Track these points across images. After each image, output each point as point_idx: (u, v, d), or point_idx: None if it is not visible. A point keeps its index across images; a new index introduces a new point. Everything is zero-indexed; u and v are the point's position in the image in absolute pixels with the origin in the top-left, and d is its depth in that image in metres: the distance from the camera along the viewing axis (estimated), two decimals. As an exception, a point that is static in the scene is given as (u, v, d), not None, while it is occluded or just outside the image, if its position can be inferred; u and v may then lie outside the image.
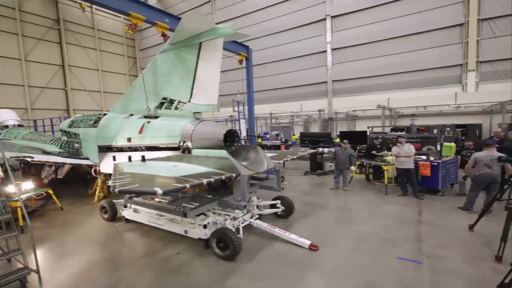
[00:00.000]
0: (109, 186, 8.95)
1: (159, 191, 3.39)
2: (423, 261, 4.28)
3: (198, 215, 5.17)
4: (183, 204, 5.16)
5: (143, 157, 5.75)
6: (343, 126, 20.67)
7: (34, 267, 4.06)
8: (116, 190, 3.48)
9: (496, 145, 6.70)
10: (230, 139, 5.37)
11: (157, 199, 6.17)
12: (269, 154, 6.23)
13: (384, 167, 8.71)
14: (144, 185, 4.01)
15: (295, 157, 7.35)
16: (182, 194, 5.57)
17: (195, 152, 5.10)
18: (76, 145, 8.35)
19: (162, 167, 5.14)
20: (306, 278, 4.03)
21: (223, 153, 4.80)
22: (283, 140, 17.48)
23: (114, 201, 6.82)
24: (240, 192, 4.82)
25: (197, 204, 5.14)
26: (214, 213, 5.43)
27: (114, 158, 6.53)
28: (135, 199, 6.06)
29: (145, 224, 6.04)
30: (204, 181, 4.02)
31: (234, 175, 4.62)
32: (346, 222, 6.19)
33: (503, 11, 15.30)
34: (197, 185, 4.10)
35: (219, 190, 5.83)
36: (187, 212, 4.68)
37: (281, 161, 6.13)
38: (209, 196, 5.67)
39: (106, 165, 6.97)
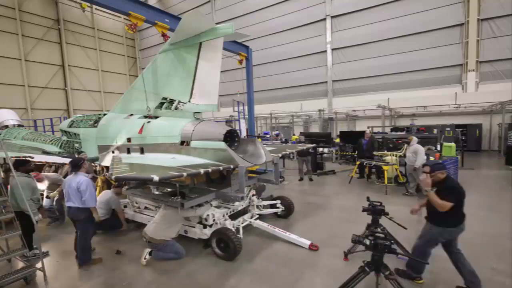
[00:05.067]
0: (109, 186, 8.97)
1: (156, 178, 3.41)
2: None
3: (198, 205, 5.17)
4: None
5: (141, 149, 5.78)
6: (343, 126, 20.69)
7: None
8: (113, 177, 3.52)
9: None
10: (230, 139, 5.38)
11: (156, 192, 6.19)
12: (268, 148, 6.25)
13: (384, 167, 8.72)
14: (141, 173, 4.03)
15: (293, 151, 7.34)
16: (180, 185, 5.57)
17: (193, 144, 5.11)
18: (76, 145, 8.35)
19: (161, 158, 5.17)
20: (306, 278, 4.03)
21: (221, 144, 4.81)
22: (283, 140, 17.49)
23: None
24: (238, 184, 4.83)
25: (195, 195, 5.15)
26: (213, 205, 5.44)
27: (113, 151, 6.57)
28: (133, 190, 6.07)
29: (145, 224, 6.03)
30: (202, 170, 4.05)
31: (232, 166, 4.64)
32: (346, 222, 6.19)
33: (503, 11, 15.33)
34: (194, 174, 4.12)
35: (217, 182, 5.85)
36: (184, 202, 4.69)
37: (279, 155, 6.15)
38: (207, 188, 5.67)
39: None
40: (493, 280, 3.73)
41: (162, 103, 6.02)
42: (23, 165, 5.13)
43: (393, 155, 9.36)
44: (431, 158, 8.32)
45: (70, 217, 4.80)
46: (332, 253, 4.69)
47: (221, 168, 4.50)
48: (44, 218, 6.25)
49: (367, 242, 3.05)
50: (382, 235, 3.09)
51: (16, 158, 5.54)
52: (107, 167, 7.21)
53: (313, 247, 4.86)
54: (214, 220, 5.03)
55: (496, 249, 4.64)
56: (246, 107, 13.57)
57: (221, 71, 5.81)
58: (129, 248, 5.33)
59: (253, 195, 6.17)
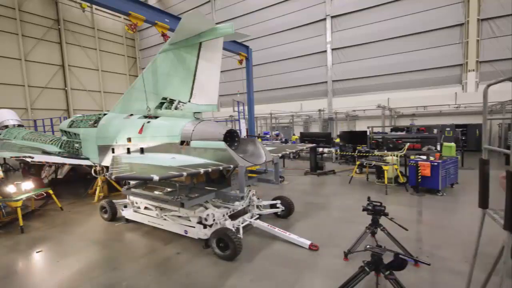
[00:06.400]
0: (109, 186, 8.98)
1: (156, 177, 3.42)
2: (423, 261, 4.27)
3: (197, 205, 5.16)
4: (181, 195, 5.16)
5: (141, 149, 5.78)
6: (343, 126, 20.68)
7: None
8: (113, 176, 3.53)
9: None
10: (230, 139, 5.38)
11: (156, 192, 6.20)
12: (268, 148, 6.26)
13: (384, 167, 8.72)
14: (141, 173, 4.04)
15: (293, 150, 7.36)
16: (179, 184, 5.58)
17: (193, 143, 5.12)
18: (76, 145, 8.36)
19: (161, 158, 5.18)
20: (306, 278, 4.03)
21: (221, 144, 4.82)
22: (283, 140, 17.50)
23: (114, 201, 6.83)
24: (238, 183, 4.84)
25: (196, 195, 5.16)
26: (213, 205, 5.44)
27: (113, 150, 6.58)
28: (133, 190, 6.07)
29: (145, 224, 6.05)
30: (201, 170, 4.05)
31: (232, 166, 4.63)
32: (346, 222, 6.19)
33: (503, 11, 15.32)
34: (193, 174, 4.13)
35: (217, 182, 5.86)
36: (184, 202, 4.69)
37: (279, 154, 6.15)
38: (207, 188, 5.68)
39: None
40: (493, 280, 3.73)
41: (162, 103, 6.03)
42: None
43: (393, 155, 9.35)
44: (431, 158, 8.31)
45: None
46: (332, 253, 4.69)
47: (221, 168, 4.51)
48: None
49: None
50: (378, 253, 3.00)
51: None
52: (107, 167, 7.22)
53: (313, 247, 4.86)
54: (214, 220, 5.03)
55: (495, 249, 4.63)
56: (246, 107, 13.57)
57: (221, 71, 5.81)
58: (128, 248, 5.33)
59: (253, 195, 6.18)
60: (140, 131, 5.91)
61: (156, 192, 6.11)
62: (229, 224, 5.11)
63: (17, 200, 6.22)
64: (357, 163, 10.31)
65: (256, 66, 19.90)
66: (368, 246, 3.13)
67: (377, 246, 3.16)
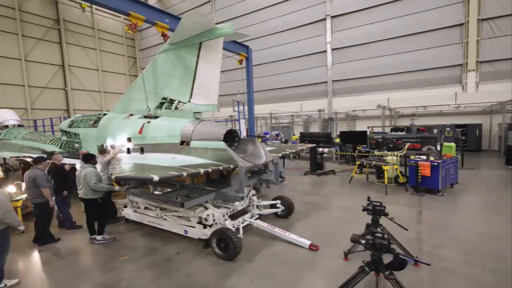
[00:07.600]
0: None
1: (155, 177, 3.43)
2: (423, 261, 4.28)
3: (197, 205, 5.16)
4: (181, 195, 5.16)
5: (141, 149, 5.78)
6: (343, 126, 20.69)
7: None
8: (113, 177, 3.54)
9: None
10: (230, 139, 5.39)
11: (155, 192, 6.20)
12: (268, 148, 6.26)
13: (384, 167, 8.72)
14: (141, 173, 4.04)
15: (293, 150, 7.37)
16: (179, 184, 5.59)
17: (193, 144, 5.12)
18: (76, 145, 8.36)
19: (161, 158, 5.19)
20: (306, 278, 4.03)
21: (221, 144, 4.82)
22: (283, 140, 17.50)
23: (114, 201, 6.82)
24: (238, 183, 4.84)
25: (196, 195, 5.16)
26: (214, 205, 5.44)
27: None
28: (133, 190, 6.07)
29: (145, 224, 6.04)
30: (201, 170, 4.05)
31: (232, 166, 4.64)
32: (346, 222, 6.19)
33: (503, 11, 15.32)
34: (193, 174, 4.13)
35: (217, 182, 5.86)
36: (184, 202, 4.70)
37: (279, 155, 6.16)
38: (207, 188, 5.68)
39: None
40: (493, 280, 3.73)
41: (162, 103, 6.03)
42: (92, 159, 5.72)
43: (393, 155, 9.35)
44: (431, 158, 8.31)
45: None
46: (332, 253, 4.70)
47: (221, 168, 4.51)
48: None
49: (364, 241, 3.05)
50: (380, 235, 3.09)
51: (86, 154, 5.84)
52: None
53: (313, 247, 4.86)
54: (214, 220, 5.03)
55: (495, 250, 4.64)
56: (246, 107, 13.58)
57: (221, 71, 5.81)
58: (128, 248, 5.33)
59: (253, 195, 6.18)
60: (140, 131, 5.91)
61: (156, 192, 6.13)
62: (229, 224, 5.11)
63: (17, 200, 6.22)
64: (357, 163, 10.31)
65: (256, 66, 19.91)
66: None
67: None
